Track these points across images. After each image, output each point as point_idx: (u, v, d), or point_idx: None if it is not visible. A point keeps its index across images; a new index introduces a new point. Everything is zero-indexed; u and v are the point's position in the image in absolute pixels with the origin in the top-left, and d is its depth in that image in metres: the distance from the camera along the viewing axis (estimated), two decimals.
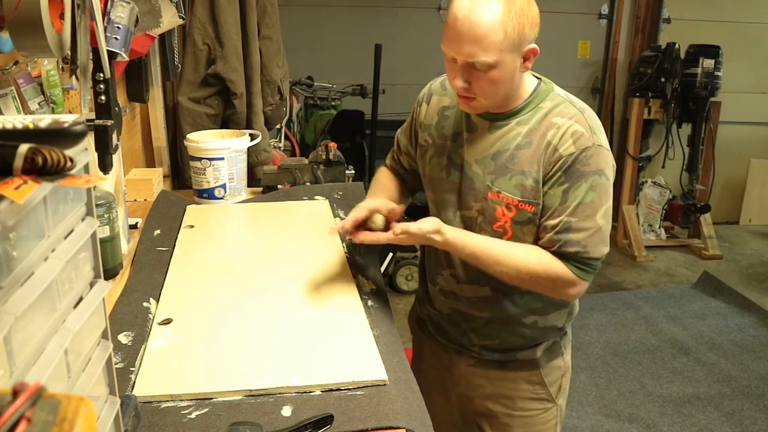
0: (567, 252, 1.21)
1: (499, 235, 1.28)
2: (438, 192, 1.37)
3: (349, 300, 1.33)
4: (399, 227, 1.25)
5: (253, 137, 2.07)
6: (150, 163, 2.47)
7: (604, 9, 4.87)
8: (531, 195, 1.23)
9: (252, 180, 2.39)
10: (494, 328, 1.38)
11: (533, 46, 1.18)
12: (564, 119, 1.22)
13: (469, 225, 1.32)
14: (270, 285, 1.39)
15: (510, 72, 1.17)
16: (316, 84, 4.20)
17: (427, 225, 1.24)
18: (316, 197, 1.96)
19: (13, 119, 0.61)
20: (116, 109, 1.20)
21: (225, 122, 2.46)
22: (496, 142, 1.27)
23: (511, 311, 1.36)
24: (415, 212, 1.55)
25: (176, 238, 1.65)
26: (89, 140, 0.77)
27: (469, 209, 1.31)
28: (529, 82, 1.27)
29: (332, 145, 2.17)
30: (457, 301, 1.39)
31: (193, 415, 0.97)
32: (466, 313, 1.39)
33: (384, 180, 1.53)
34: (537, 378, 1.42)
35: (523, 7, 1.13)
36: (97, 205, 1.30)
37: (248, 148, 2.06)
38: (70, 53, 1.10)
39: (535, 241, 1.28)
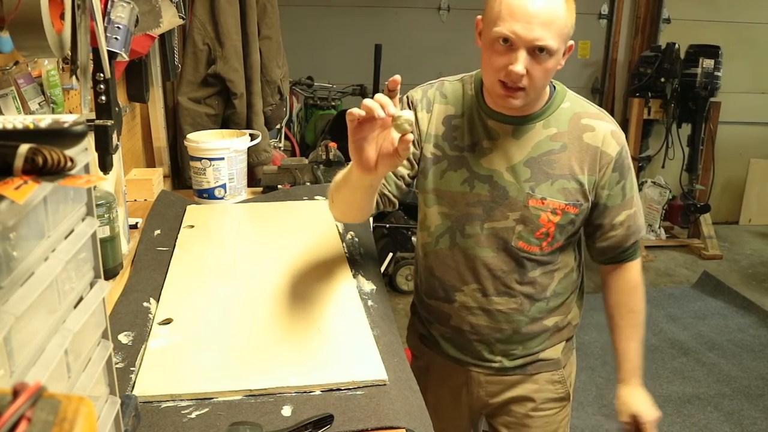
0: (637, 239, 1.34)
1: (540, 241, 1.27)
2: (460, 206, 1.30)
3: (349, 300, 1.33)
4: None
5: (253, 137, 2.07)
6: (150, 163, 2.47)
7: (604, 9, 4.87)
8: (574, 197, 1.25)
9: (252, 180, 2.39)
10: (518, 337, 1.36)
11: (571, 42, 1.19)
12: (596, 120, 1.27)
13: (502, 236, 1.28)
14: (270, 285, 1.39)
15: (556, 64, 1.17)
16: (316, 84, 4.20)
17: (642, 399, 1.40)
18: (316, 197, 1.96)
19: (14, 119, 0.61)
20: (116, 109, 1.20)
21: (225, 122, 2.46)
22: (525, 147, 1.25)
23: (537, 316, 1.34)
24: (414, 212, 1.52)
25: (176, 238, 1.65)
26: (89, 140, 0.77)
27: (503, 220, 1.27)
28: None
29: (332, 145, 2.17)
30: (483, 315, 1.34)
31: (193, 415, 0.97)
32: (491, 327, 1.34)
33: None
34: (559, 377, 1.42)
35: (573, 5, 1.16)
36: (98, 205, 1.30)
37: (248, 148, 2.06)
38: (70, 53, 1.10)
39: (575, 236, 1.34)
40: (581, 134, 1.25)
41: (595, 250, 1.36)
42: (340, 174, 1.28)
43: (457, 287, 1.34)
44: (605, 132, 1.25)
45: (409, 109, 1.34)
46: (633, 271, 1.37)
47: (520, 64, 1.12)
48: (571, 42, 1.19)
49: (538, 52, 1.12)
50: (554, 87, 1.29)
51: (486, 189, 1.27)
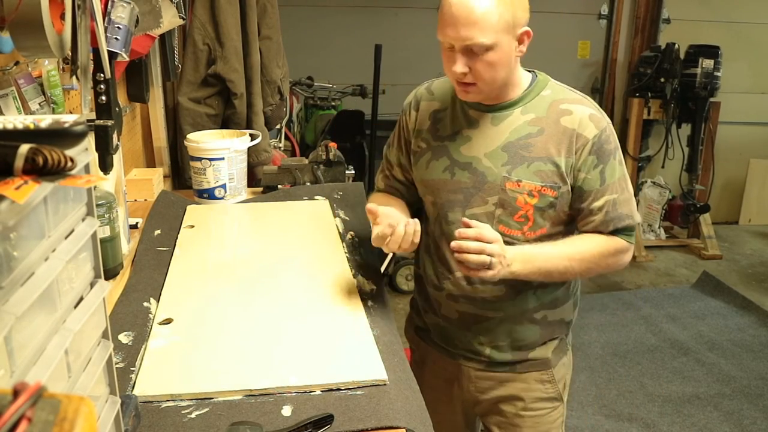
0: (621, 227, 1.30)
1: (520, 225, 1.29)
2: (443, 194, 1.34)
3: (349, 300, 1.33)
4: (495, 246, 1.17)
5: (253, 137, 2.07)
6: (150, 163, 2.47)
7: (604, 9, 4.87)
8: (551, 180, 1.27)
9: (252, 180, 2.38)
10: (506, 328, 1.37)
11: (526, 28, 1.23)
12: (575, 105, 1.28)
13: (483, 221, 1.28)
14: (270, 285, 1.39)
15: (507, 54, 1.21)
16: (316, 84, 4.20)
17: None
18: (316, 197, 1.96)
19: (14, 119, 0.61)
20: (116, 109, 1.20)
21: (225, 122, 2.47)
22: (504, 133, 1.29)
23: (524, 307, 1.36)
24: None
25: (176, 238, 1.65)
26: (90, 140, 0.77)
27: (482, 205, 1.30)
28: (524, 74, 1.32)
29: (332, 145, 2.17)
30: (468, 303, 1.37)
31: (193, 415, 0.97)
32: (478, 315, 1.37)
33: (385, 202, 1.42)
34: (548, 377, 1.42)
35: None
36: (98, 205, 1.30)
37: (248, 148, 2.06)
38: (70, 53, 1.10)
39: (565, 225, 1.33)
40: (559, 118, 1.27)
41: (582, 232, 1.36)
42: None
43: (445, 275, 1.38)
44: (583, 115, 1.27)
45: (406, 113, 1.43)
46: (613, 241, 1.30)
47: (459, 64, 1.21)
48: (525, 28, 1.22)
49: (473, 49, 1.18)
50: (536, 76, 1.33)
51: (466, 176, 1.31)
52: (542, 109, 1.28)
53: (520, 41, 1.22)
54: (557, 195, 1.27)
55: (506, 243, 1.29)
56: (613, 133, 1.29)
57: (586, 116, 1.27)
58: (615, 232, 1.30)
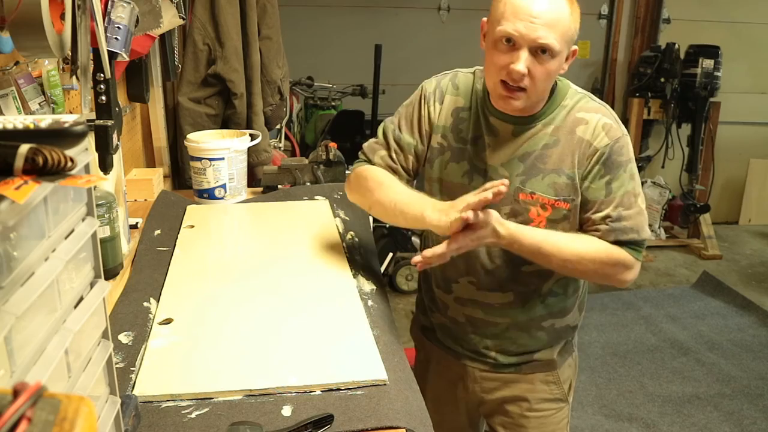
0: (623, 240, 1.23)
1: None
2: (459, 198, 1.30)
3: (349, 300, 1.33)
4: (482, 214, 1.13)
5: (253, 137, 2.07)
6: (150, 163, 2.47)
7: (604, 9, 4.87)
8: (565, 192, 1.24)
9: (252, 180, 2.38)
10: (513, 333, 1.36)
11: (576, 47, 1.21)
12: (591, 114, 1.25)
13: None
14: (270, 285, 1.39)
15: (559, 67, 1.19)
16: (316, 84, 4.20)
17: (495, 213, 1.18)
18: (316, 197, 1.96)
19: (14, 119, 0.61)
20: (116, 109, 1.20)
21: (225, 122, 2.47)
22: (523, 144, 1.26)
23: (531, 315, 1.35)
24: None
25: (176, 238, 1.65)
26: (90, 140, 0.77)
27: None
28: None
29: (332, 145, 2.17)
30: (475, 308, 1.36)
31: (193, 415, 0.97)
32: (485, 320, 1.36)
33: (399, 184, 1.34)
34: (553, 378, 1.42)
35: (578, 10, 1.18)
36: (98, 205, 1.30)
37: (248, 148, 2.06)
38: (70, 53, 1.10)
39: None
40: (574, 128, 1.25)
41: None
42: (403, 195, 1.29)
43: (454, 278, 1.37)
44: (597, 124, 1.24)
45: (429, 102, 1.36)
46: (616, 250, 1.23)
47: (522, 62, 1.14)
48: (575, 47, 1.20)
49: (540, 52, 1.14)
50: (555, 83, 1.29)
51: (482, 183, 1.27)
52: (561, 119, 1.26)
53: (566, 58, 1.20)
54: (570, 207, 1.26)
55: (515, 254, 1.26)
56: (627, 145, 1.25)
57: (600, 125, 1.23)
58: (619, 244, 1.24)
